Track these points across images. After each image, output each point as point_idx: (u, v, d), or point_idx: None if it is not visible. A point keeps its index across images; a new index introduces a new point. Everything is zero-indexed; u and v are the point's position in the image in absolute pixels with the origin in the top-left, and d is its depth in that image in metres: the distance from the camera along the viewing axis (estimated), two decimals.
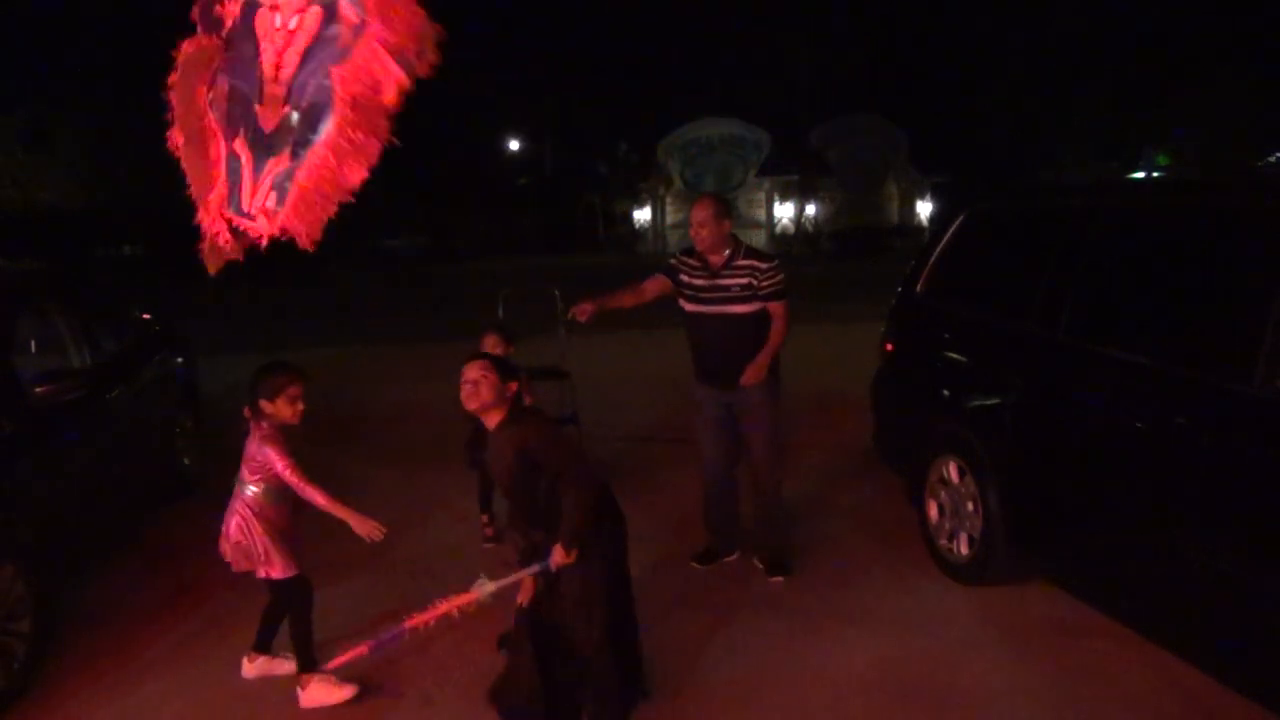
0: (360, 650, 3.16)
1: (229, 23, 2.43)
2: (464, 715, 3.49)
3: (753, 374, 4.42)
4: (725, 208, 4.53)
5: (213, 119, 2.51)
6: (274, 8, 2.47)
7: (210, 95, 2.48)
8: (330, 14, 2.46)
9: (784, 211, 39.61)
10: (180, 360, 6.65)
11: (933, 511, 4.66)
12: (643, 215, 40.31)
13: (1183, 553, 3.22)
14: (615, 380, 4.99)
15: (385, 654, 3.39)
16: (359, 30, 2.42)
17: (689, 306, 4.53)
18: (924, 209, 37.92)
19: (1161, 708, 3.37)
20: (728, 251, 4.44)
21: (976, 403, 4.44)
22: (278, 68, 2.49)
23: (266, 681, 3.75)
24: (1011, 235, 4.80)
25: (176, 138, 2.62)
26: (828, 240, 36.92)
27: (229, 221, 2.62)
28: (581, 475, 3.15)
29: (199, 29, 2.48)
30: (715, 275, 4.44)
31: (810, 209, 39.05)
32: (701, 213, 4.41)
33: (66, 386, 4.24)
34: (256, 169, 2.56)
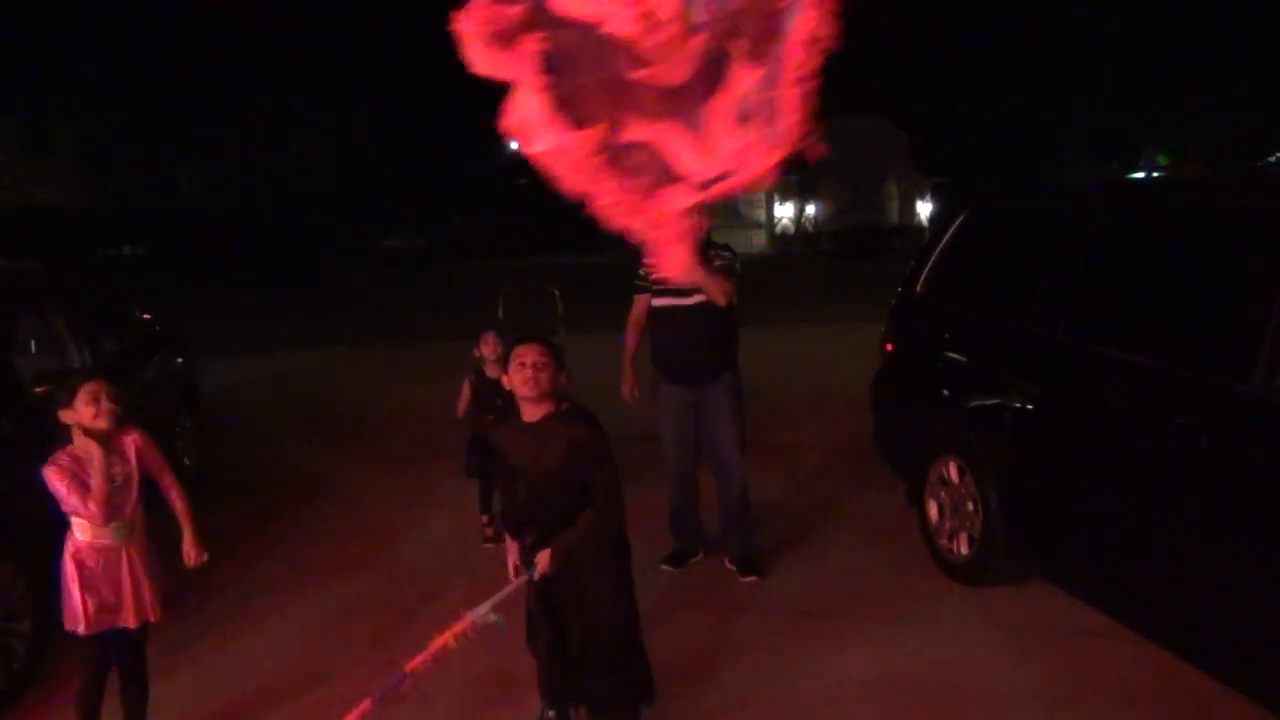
0: (366, 706, 3.13)
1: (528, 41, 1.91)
2: (464, 715, 3.49)
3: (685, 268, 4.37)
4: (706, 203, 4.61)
5: (594, 142, 1.94)
6: None
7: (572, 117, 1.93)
8: None
9: (784, 211, 39.63)
10: (180, 360, 6.65)
11: (933, 511, 4.66)
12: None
13: (1183, 553, 3.23)
14: (615, 380, 5.01)
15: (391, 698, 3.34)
16: None
17: (659, 301, 4.54)
18: (924, 209, 37.95)
19: (1161, 707, 3.37)
20: (700, 246, 4.49)
21: (976, 403, 4.44)
22: (646, 15, 1.91)
23: (267, 681, 3.75)
24: (1011, 235, 4.80)
25: (582, 184, 2.04)
26: (828, 240, 36.94)
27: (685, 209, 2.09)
28: (616, 491, 3.01)
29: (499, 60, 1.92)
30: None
31: (810, 209, 39.07)
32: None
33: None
34: (692, 125, 2.00)
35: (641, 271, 4.64)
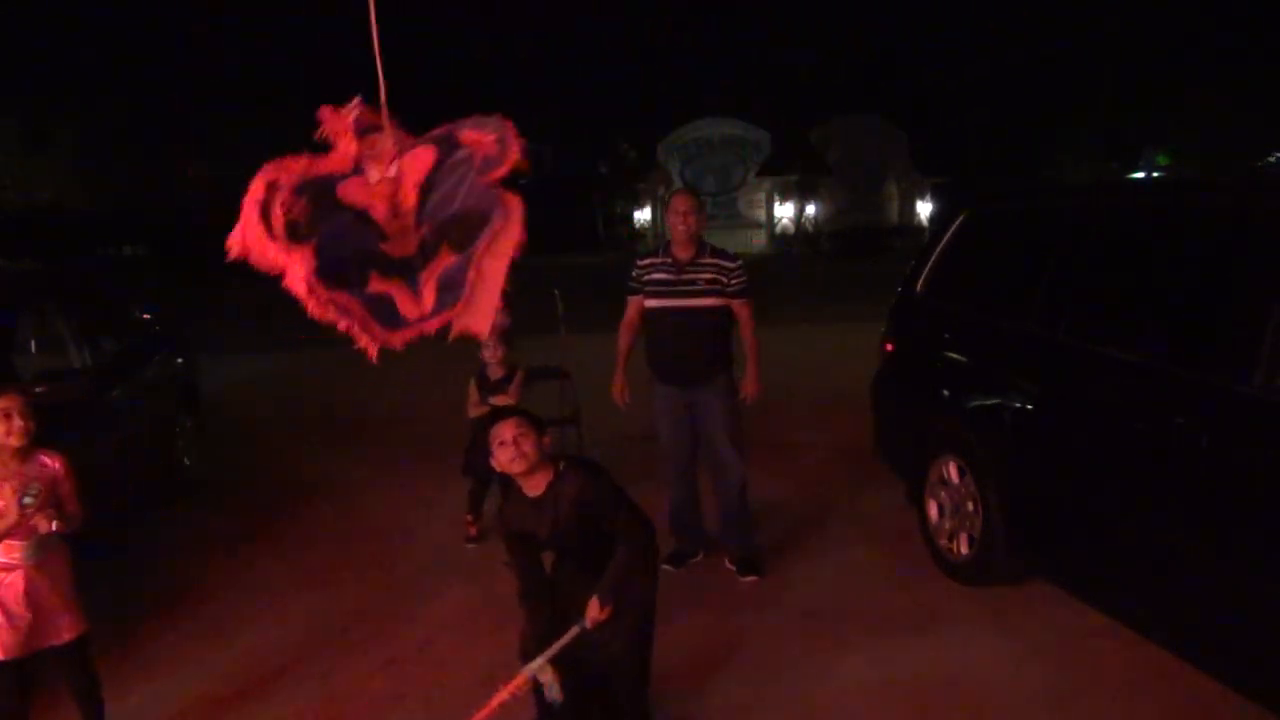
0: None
1: (304, 224, 2.57)
2: (464, 715, 3.49)
3: (752, 387, 4.51)
4: (703, 204, 4.71)
5: (324, 301, 2.60)
6: (363, 167, 2.65)
7: (307, 283, 2.58)
8: (450, 145, 2.67)
9: (784, 211, 39.63)
10: (180, 360, 6.66)
11: (933, 511, 4.66)
12: (643, 215, 40.32)
13: (1182, 553, 3.22)
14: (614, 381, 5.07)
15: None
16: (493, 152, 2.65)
17: (652, 302, 4.55)
18: (924, 209, 37.94)
19: (1161, 707, 3.37)
20: (695, 249, 4.51)
21: (976, 403, 4.44)
22: (395, 210, 2.66)
23: (267, 681, 3.75)
24: (1011, 235, 4.80)
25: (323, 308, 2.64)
26: (828, 240, 36.93)
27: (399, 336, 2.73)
28: (640, 526, 3.01)
29: (272, 237, 2.55)
30: (681, 270, 4.48)
31: (810, 209, 39.07)
32: (686, 202, 4.50)
33: (66, 386, 4.24)
34: (411, 284, 2.70)
35: (634, 273, 4.64)
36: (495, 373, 5.11)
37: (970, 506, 4.34)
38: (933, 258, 5.15)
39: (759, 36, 35.96)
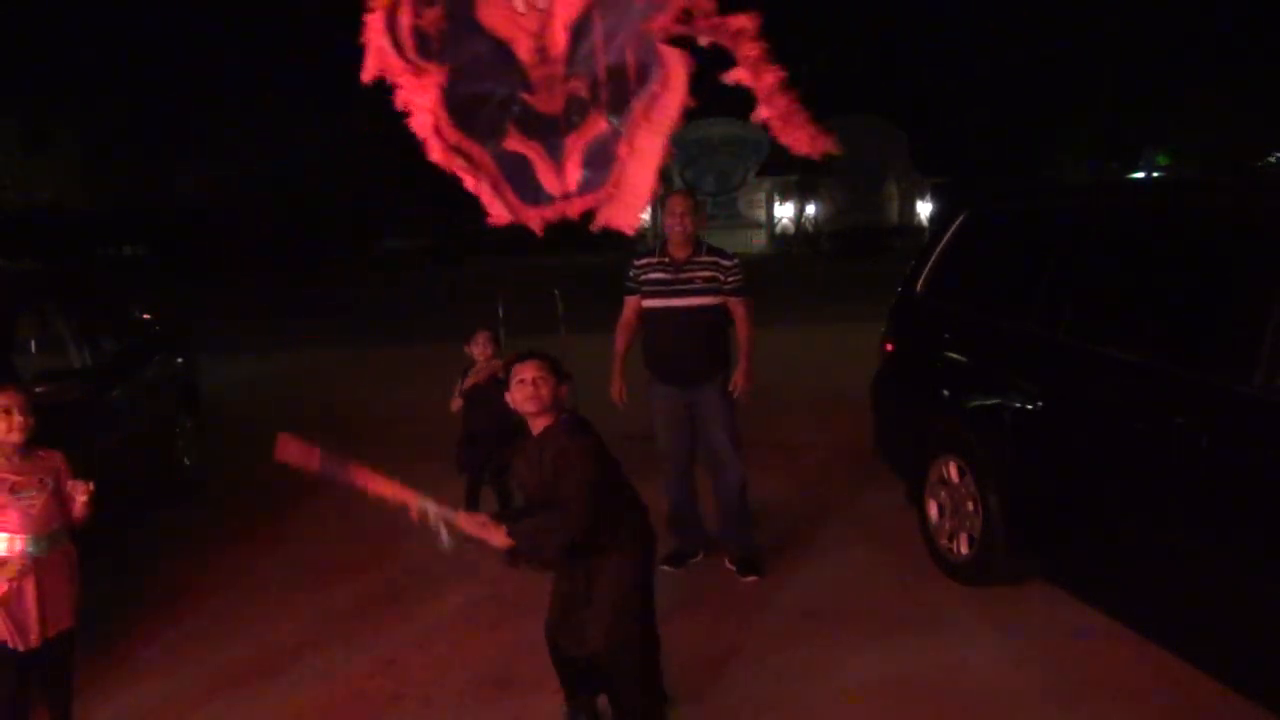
0: (312, 457, 3.21)
1: (437, 40, 2.22)
2: (464, 715, 3.49)
3: (743, 382, 4.50)
4: (700, 204, 4.74)
5: (453, 144, 2.26)
6: None
7: (435, 120, 2.25)
8: None
9: (784, 211, 39.64)
10: (180, 360, 6.65)
11: (933, 511, 4.66)
12: (643, 215, 40.29)
13: (1182, 553, 3.22)
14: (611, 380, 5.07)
15: (327, 477, 3.38)
16: None
17: (649, 302, 4.56)
18: (924, 209, 37.95)
19: (1161, 708, 3.37)
20: (691, 248, 4.52)
21: (976, 403, 4.44)
22: (542, 53, 2.30)
23: (267, 680, 3.75)
24: (1011, 235, 4.80)
25: (446, 156, 2.32)
26: (828, 240, 36.93)
27: (538, 215, 2.43)
28: (580, 505, 2.92)
29: (398, 53, 2.21)
30: (679, 269, 4.48)
31: (810, 209, 39.07)
32: (682, 203, 4.50)
33: (66, 386, 4.24)
34: (554, 150, 2.37)
35: (632, 273, 4.64)
36: (480, 374, 5.08)
37: (970, 506, 4.34)
38: (933, 258, 5.15)
39: (760, 36, 35.94)
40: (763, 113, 2.39)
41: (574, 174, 2.36)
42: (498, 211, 2.31)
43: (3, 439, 2.90)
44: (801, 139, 2.38)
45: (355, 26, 2.41)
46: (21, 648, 2.93)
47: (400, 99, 2.22)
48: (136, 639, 4.13)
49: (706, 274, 4.47)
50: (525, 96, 2.32)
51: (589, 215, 2.41)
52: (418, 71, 2.20)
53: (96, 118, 30.64)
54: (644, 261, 4.62)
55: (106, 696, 3.66)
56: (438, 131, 2.21)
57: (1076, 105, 32.37)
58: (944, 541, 4.55)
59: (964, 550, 4.41)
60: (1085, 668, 3.64)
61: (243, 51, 30.25)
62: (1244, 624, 3.03)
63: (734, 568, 4.63)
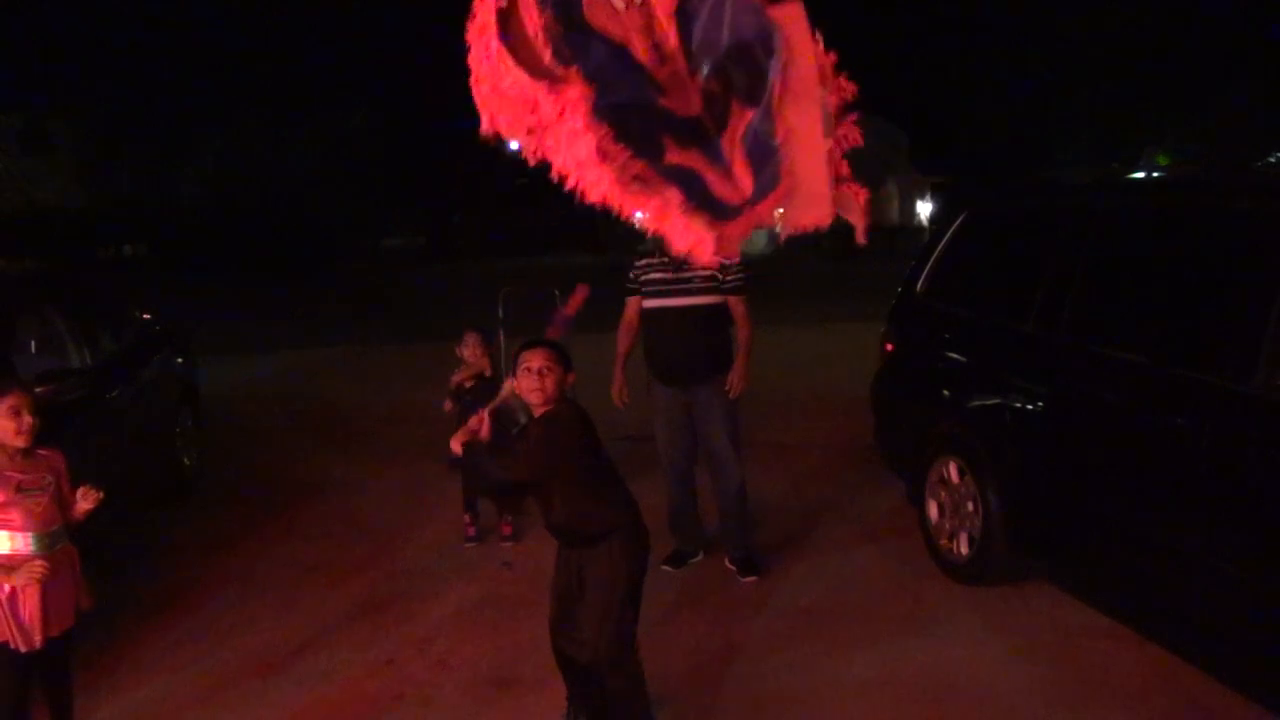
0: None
1: (549, 62, 1.85)
2: (464, 715, 3.49)
3: (738, 381, 4.50)
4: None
5: (619, 168, 1.86)
6: None
7: (597, 139, 1.85)
8: None
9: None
10: (180, 360, 6.65)
11: (933, 511, 4.66)
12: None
13: (1182, 553, 3.22)
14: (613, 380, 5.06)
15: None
16: None
17: (650, 303, 4.56)
18: (924, 209, 37.95)
19: (1161, 708, 3.37)
20: None
21: (976, 403, 4.44)
22: (659, 51, 1.99)
23: (267, 680, 3.75)
24: (1012, 235, 4.80)
25: (603, 197, 1.94)
26: (828, 240, 36.90)
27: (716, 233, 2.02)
28: (530, 456, 2.92)
29: (505, 65, 1.84)
30: (679, 269, 4.48)
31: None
32: None
33: (66, 386, 4.24)
34: (714, 156, 2.03)
35: (632, 274, 4.64)
36: (464, 374, 5.08)
37: (970, 506, 4.34)
38: (933, 258, 5.15)
39: None
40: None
41: (745, 177, 2.04)
42: (694, 240, 1.91)
43: (11, 440, 2.91)
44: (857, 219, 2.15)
45: (354, 27, 2.28)
46: (24, 648, 2.93)
47: (539, 129, 1.83)
48: (136, 639, 4.13)
49: (706, 273, 4.47)
50: (663, 102, 2.01)
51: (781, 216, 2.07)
52: (555, 83, 1.82)
53: (96, 118, 30.63)
54: (644, 262, 4.62)
55: (106, 696, 3.66)
56: (605, 158, 1.81)
57: (1077, 105, 32.35)
58: (944, 541, 4.56)
59: (964, 550, 4.41)
60: (1085, 668, 3.64)
61: (242, 51, 30.26)
62: (1244, 624, 3.03)
63: (734, 568, 4.63)
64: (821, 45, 2.00)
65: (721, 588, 4.51)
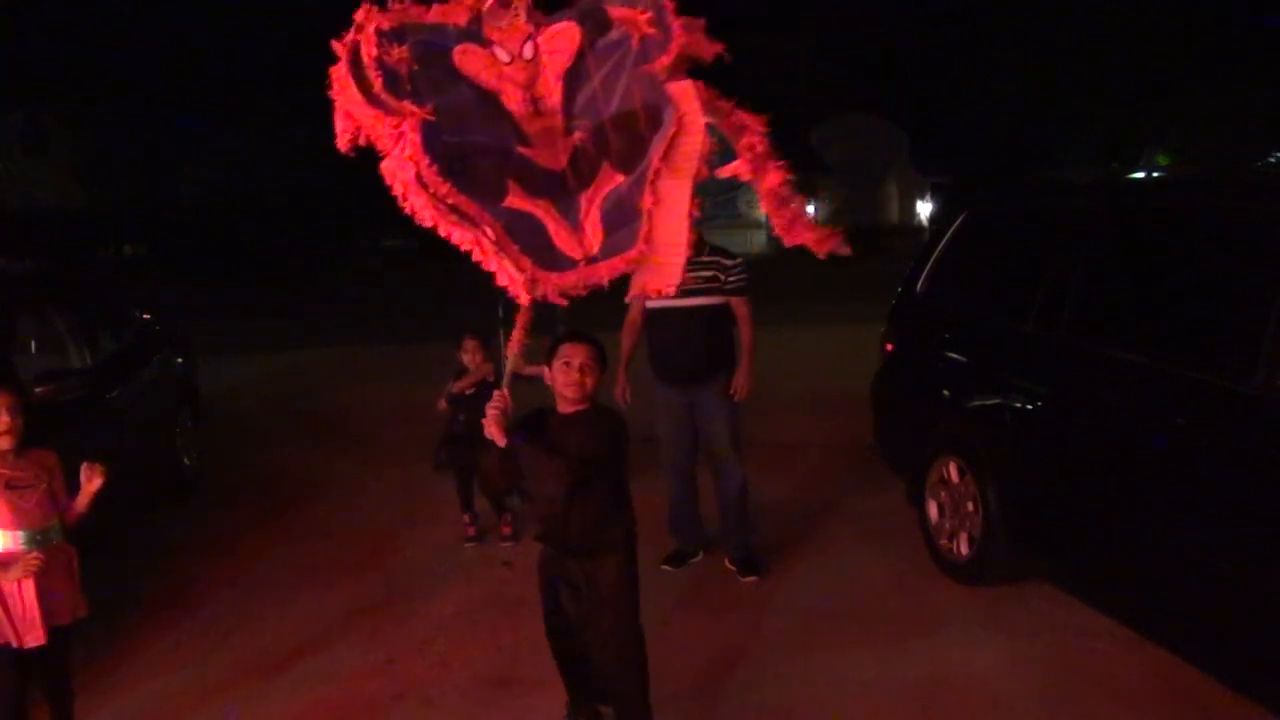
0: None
1: (408, 81, 1.97)
2: (464, 715, 3.49)
3: (744, 384, 4.50)
4: (701, 204, 4.66)
5: (440, 196, 1.98)
6: (487, 36, 2.05)
7: (418, 168, 1.98)
8: (598, 23, 2.10)
9: None
10: (180, 360, 6.66)
11: (933, 511, 4.66)
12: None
13: (1183, 553, 3.22)
14: (612, 380, 5.05)
15: None
16: (659, 35, 2.07)
17: (652, 303, 4.54)
18: (924, 209, 37.95)
19: (1161, 708, 3.37)
20: (693, 248, 4.49)
21: (976, 403, 4.44)
22: (535, 106, 2.10)
23: (267, 680, 3.75)
24: (1012, 235, 4.80)
25: (429, 220, 2.07)
26: None
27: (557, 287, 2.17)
28: (562, 471, 2.80)
29: (374, 94, 1.97)
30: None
31: (810, 209, 39.05)
32: None
33: (66, 386, 4.24)
34: (568, 210, 2.13)
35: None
36: (465, 382, 5.06)
37: (970, 506, 4.34)
38: (933, 258, 5.15)
39: (759, 36, 35.98)
40: (764, 206, 2.32)
41: (595, 234, 2.12)
42: (507, 278, 2.03)
43: None
44: (809, 239, 2.31)
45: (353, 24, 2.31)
46: (16, 644, 2.92)
47: (381, 149, 1.95)
48: (136, 639, 4.13)
49: (708, 274, 4.46)
50: (523, 151, 2.09)
51: (623, 281, 2.16)
52: (388, 112, 1.94)
53: (97, 118, 30.62)
54: None
55: (106, 696, 3.66)
56: (421, 183, 1.93)
57: (1077, 105, 32.35)
58: (944, 541, 4.55)
59: (964, 550, 4.41)
60: (1085, 668, 3.64)
61: (241, 51, 30.25)
62: (1244, 624, 3.02)
63: (734, 568, 4.63)
64: (743, 111, 2.11)
65: (721, 588, 4.51)
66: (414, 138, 1.91)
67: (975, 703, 3.44)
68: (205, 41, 30.79)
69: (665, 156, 2.08)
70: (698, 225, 4.41)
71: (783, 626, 4.09)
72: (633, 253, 2.12)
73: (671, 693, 3.47)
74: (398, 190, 1.98)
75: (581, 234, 2.13)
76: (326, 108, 2.23)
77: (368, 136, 2.00)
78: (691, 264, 4.43)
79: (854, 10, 35.79)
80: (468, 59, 2.05)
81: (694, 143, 2.07)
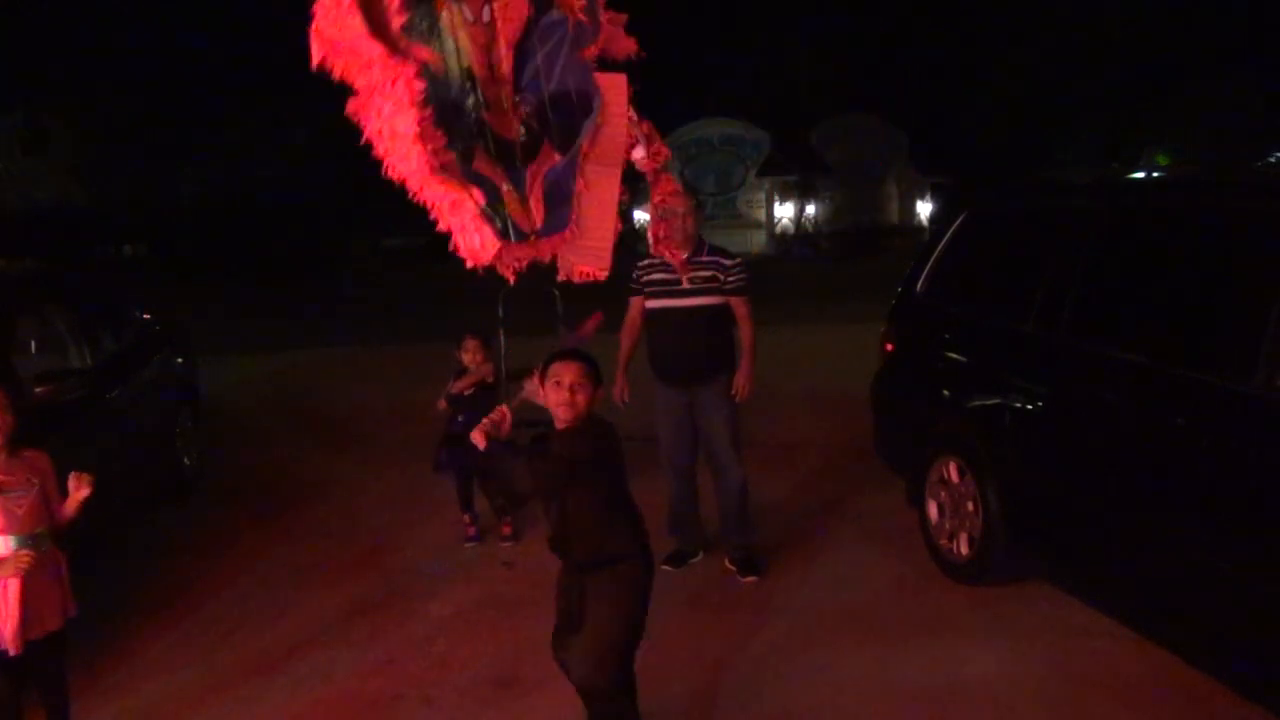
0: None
1: (396, 30, 1.90)
2: (464, 715, 3.49)
3: (744, 385, 4.50)
4: (700, 204, 4.78)
5: (433, 151, 1.91)
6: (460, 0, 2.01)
7: (420, 117, 1.90)
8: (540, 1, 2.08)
9: (784, 211, 39.59)
10: (180, 360, 6.66)
11: (933, 511, 4.66)
12: (642, 215, 40.30)
13: (1183, 553, 3.22)
14: (611, 381, 5.05)
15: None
16: (588, 25, 2.07)
17: (652, 303, 4.57)
18: (924, 209, 37.93)
19: (1161, 707, 3.37)
20: (692, 248, 4.51)
21: (976, 403, 4.44)
22: (492, 71, 2.05)
23: (267, 680, 3.75)
24: (1012, 235, 4.80)
25: (404, 175, 1.99)
26: (828, 240, 36.88)
27: (517, 259, 2.16)
28: (541, 481, 2.83)
29: (368, 40, 1.87)
30: (680, 269, 4.47)
31: (810, 209, 39.04)
32: (684, 204, 4.47)
33: (66, 386, 4.24)
34: (516, 179, 2.11)
35: (635, 274, 4.64)
36: (464, 382, 5.06)
37: (970, 506, 4.34)
38: (933, 258, 5.14)
39: (759, 37, 35.94)
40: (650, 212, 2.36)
41: (538, 211, 2.13)
42: (467, 249, 1.99)
43: None
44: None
45: None
46: (12, 651, 2.88)
47: (364, 89, 1.85)
48: (136, 639, 4.13)
49: (707, 274, 4.47)
50: (485, 115, 2.06)
51: (557, 264, 2.19)
52: (394, 52, 1.84)
53: (96, 118, 30.62)
54: (646, 262, 4.62)
55: (106, 696, 3.66)
56: (423, 136, 1.84)
57: (1077, 105, 32.36)
58: (944, 541, 4.55)
59: (964, 550, 4.41)
60: (1086, 668, 3.64)
61: (241, 51, 30.24)
62: (1245, 624, 3.03)
63: (734, 568, 4.63)
64: (635, 114, 2.12)
65: (721, 588, 4.51)
66: (418, 84, 1.82)
67: (975, 702, 3.44)
68: (205, 42, 30.78)
69: (593, 143, 2.11)
70: (698, 226, 4.46)
71: (783, 626, 4.09)
72: (566, 233, 2.14)
73: (671, 693, 3.47)
74: (381, 136, 1.87)
75: (529, 209, 2.13)
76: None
77: (344, 72, 1.88)
78: (691, 264, 4.47)
79: (854, 10, 35.79)
80: (445, 11, 2.02)
81: (617, 134, 2.09)
